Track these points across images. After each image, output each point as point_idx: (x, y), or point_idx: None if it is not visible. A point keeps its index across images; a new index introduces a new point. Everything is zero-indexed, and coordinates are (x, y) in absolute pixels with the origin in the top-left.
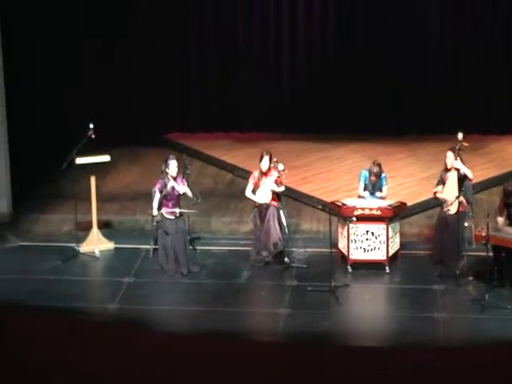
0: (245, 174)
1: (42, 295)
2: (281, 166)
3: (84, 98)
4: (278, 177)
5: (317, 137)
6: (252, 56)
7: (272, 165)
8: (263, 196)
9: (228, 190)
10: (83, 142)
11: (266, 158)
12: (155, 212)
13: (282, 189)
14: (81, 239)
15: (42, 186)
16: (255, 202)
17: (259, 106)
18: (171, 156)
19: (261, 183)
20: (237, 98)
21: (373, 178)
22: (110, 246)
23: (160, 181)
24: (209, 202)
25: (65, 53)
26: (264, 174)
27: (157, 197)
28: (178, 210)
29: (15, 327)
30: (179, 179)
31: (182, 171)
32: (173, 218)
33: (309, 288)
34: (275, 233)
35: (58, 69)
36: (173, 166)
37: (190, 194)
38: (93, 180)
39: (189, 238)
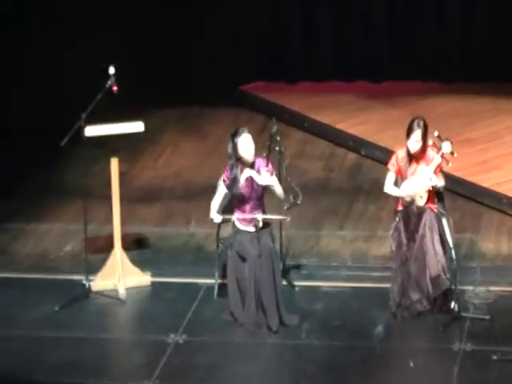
0: (381, 155)
1: (28, 366)
2: (446, 146)
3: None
4: (439, 163)
5: (498, 87)
6: None
7: (431, 142)
8: (413, 193)
9: (349, 182)
10: (98, 98)
11: (418, 133)
12: (215, 216)
13: (442, 183)
14: (93, 268)
15: (29, 175)
16: (399, 201)
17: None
18: (241, 129)
19: (409, 172)
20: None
21: None
22: (143, 279)
23: (227, 168)
24: (315, 202)
25: None
26: (415, 157)
27: (220, 193)
28: (260, 217)
29: None
30: (261, 162)
31: (267, 149)
32: (252, 230)
33: (494, 356)
34: (434, 258)
35: None
36: (245, 144)
37: (279, 189)
38: (114, 165)
39: (281, 265)
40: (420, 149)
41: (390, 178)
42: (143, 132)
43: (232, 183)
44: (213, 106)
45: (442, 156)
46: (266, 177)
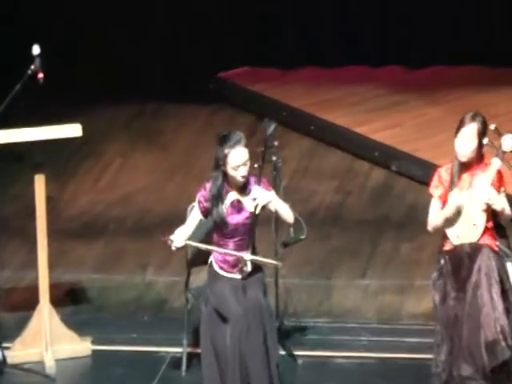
0: (419, 171)
1: None
2: (508, 142)
3: None
4: (498, 168)
5: None
6: None
7: (486, 141)
8: (466, 222)
9: (374, 210)
10: (16, 90)
11: (471, 128)
12: (176, 239)
13: (505, 206)
14: (10, 331)
15: None
16: (446, 239)
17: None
18: (236, 135)
19: (458, 189)
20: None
21: None
22: (80, 347)
23: (206, 186)
24: (326, 238)
25: None
26: (467, 166)
27: (192, 220)
28: (249, 258)
29: None
30: (252, 180)
31: (260, 158)
32: (237, 276)
33: None
34: (492, 316)
35: None
36: (238, 160)
37: (283, 206)
38: (40, 185)
39: (277, 328)
40: (473, 152)
41: (435, 206)
42: (80, 139)
43: (212, 206)
44: (178, 103)
45: (502, 157)
46: (260, 196)
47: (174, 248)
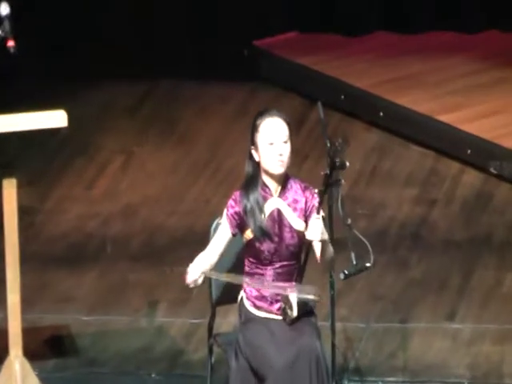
0: None
1: None
2: None
3: None
4: None
5: None
6: None
7: None
8: None
9: (466, 227)
10: None
11: None
12: (192, 271)
13: None
14: None
15: None
16: None
17: None
18: (269, 110)
19: None
20: None
21: None
22: None
23: (237, 194)
24: (400, 266)
25: None
26: None
27: (219, 238)
28: (295, 299)
29: None
30: (299, 186)
31: (327, 163)
32: (278, 318)
33: None
34: None
35: None
36: (272, 132)
37: (328, 248)
38: (10, 192)
39: None
40: None
41: None
42: (66, 131)
43: (245, 215)
44: (201, 81)
45: None
46: (312, 232)
47: (190, 283)
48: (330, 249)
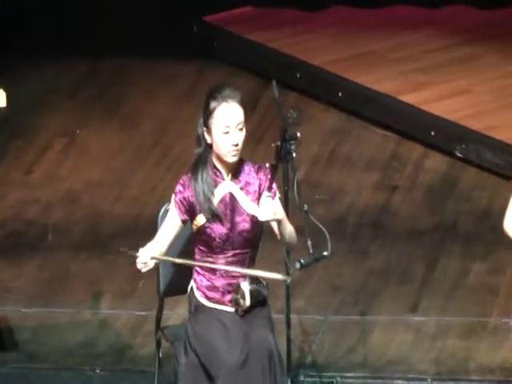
0: (494, 158)
1: None
2: None
3: None
4: None
5: None
6: None
7: None
8: None
9: (432, 213)
10: None
11: None
12: (143, 254)
13: None
14: None
15: None
16: None
17: None
18: (225, 87)
19: None
20: None
21: None
22: None
23: (185, 178)
24: (362, 255)
25: None
26: None
27: (168, 224)
28: (247, 288)
29: None
30: (251, 168)
31: (278, 143)
32: (231, 309)
33: None
34: None
35: None
36: (227, 119)
37: (287, 226)
38: None
39: (288, 381)
40: None
41: None
42: (4, 111)
43: (195, 200)
44: (147, 58)
45: None
46: (264, 211)
47: (141, 267)
48: (289, 227)
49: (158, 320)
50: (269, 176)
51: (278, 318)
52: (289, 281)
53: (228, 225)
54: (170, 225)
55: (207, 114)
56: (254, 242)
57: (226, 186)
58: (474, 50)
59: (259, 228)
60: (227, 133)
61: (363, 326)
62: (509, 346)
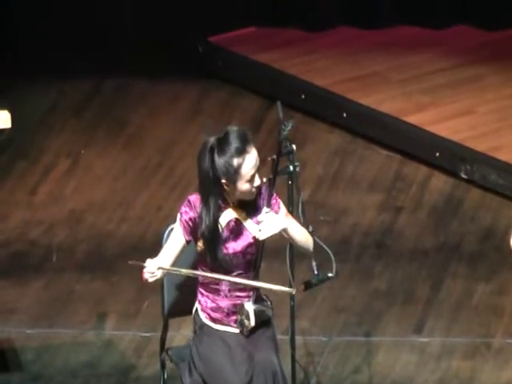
0: (499, 180)
1: None
2: None
3: None
4: None
5: None
6: None
7: None
8: None
9: (437, 234)
10: None
11: None
12: (150, 265)
13: None
14: None
15: None
16: None
17: None
18: (233, 131)
19: None
20: None
21: None
22: None
23: (191, 199)
24: (367, 277)
25: None
26: None
27: (172, 243)
28: (251, 308)
29: None
30: (263, 192)
31: (273, 163)
32: (235, 330)
33: None
34: None
35: None
36: (251, 164)
37: (300, 232)
38: None
39: None
40: None
41: None
42: (9, 132)
43: (199, 222)
44: (152, 78)
45: None
46: (267, 224)
47: (148, 277)
48: (301, 231)
49: (163, 341)
50: (279, 202)
51: (283, 338)
52: (294, 293)
53: (231, 249)
54: (174, 244)
55: (231, 171)
56: (255, 265)
57: (231, 213)
58: (477, 70)
59: (261, 251)
60: (252, 178)
61: (368, 346)
62: None
